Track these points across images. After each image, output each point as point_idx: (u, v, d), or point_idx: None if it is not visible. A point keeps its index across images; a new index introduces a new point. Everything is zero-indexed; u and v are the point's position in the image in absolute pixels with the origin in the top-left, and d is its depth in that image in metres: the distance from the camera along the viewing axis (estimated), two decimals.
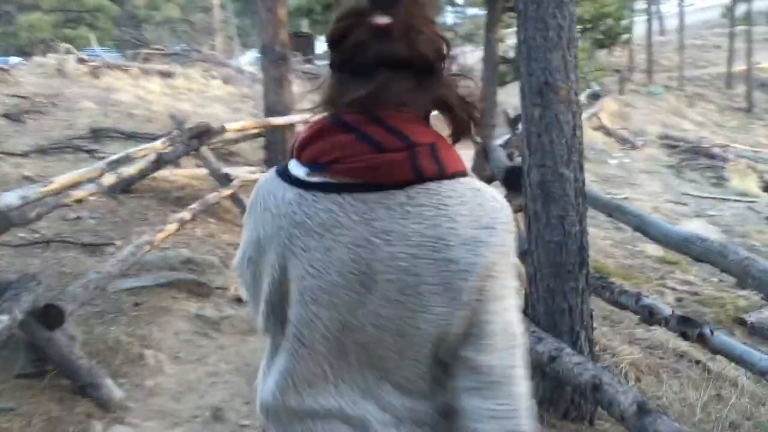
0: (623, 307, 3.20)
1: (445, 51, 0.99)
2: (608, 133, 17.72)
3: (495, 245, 0.96)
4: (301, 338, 1.02)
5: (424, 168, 0.95)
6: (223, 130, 7.08)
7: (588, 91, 18.65)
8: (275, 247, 1.01)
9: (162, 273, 4.74)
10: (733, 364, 3.29)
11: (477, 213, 0.96)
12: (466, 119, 1.02)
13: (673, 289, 6.42)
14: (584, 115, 17.06)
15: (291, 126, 9.46)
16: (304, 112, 11.06)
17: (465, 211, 0.96)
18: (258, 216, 1.03)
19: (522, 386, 1.01)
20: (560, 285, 2.83)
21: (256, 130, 8.97)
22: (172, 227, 4.81)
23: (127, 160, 6.53)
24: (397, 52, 0.95)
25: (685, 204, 11.73)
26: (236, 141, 9.20)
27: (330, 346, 1.02)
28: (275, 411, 1.09)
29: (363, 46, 0.95)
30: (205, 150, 7.12)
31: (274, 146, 9.63)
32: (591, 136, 16.71)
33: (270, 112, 9.47)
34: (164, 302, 4.48)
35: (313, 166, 0.99)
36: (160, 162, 6.96)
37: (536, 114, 2.76)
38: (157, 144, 6.52)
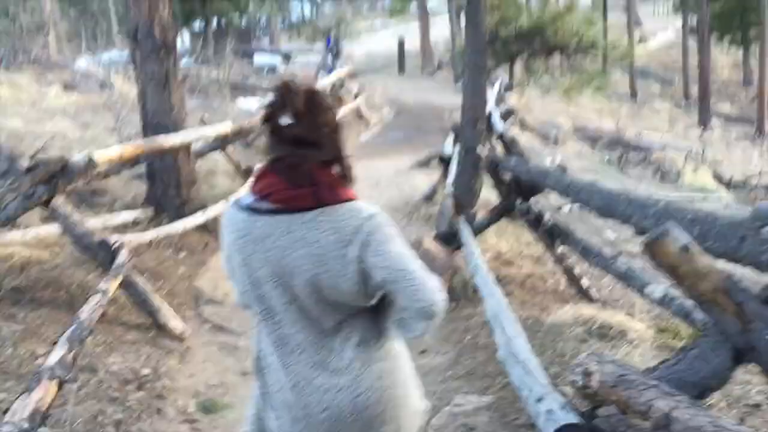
0: None
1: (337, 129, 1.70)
2: (526, 127, 15.87)
3: (364, 234, 1.61)
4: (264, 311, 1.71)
5: (324, 197, 1.61)
6: (91, 165, 4.06)
7: (499, 79, 16.54)
8: (238, 253, 1.67)
9: None
10: None
11: (352, 222, 1.61)
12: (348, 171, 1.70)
13: None
14: (500, 110, 14.86)
15: (186, 147, 6.43)
16: (202, 128, 7.96)
17: (344, 222, 1.61)
18: (224, 234, 1.72)
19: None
20: None
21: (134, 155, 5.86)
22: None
23: None
24: (299, 135, 1.62)
25: None
26: (106, 175, 5.95)
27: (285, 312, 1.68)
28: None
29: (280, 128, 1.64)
30: (59, 202, 4.09)
31: (163, 175, 6.54)
32: (516, 135, 14.77)
33: (152, 126, 6.38)
34: None
35: (258, 197, 1.65)
36: None
37: None
38: None
